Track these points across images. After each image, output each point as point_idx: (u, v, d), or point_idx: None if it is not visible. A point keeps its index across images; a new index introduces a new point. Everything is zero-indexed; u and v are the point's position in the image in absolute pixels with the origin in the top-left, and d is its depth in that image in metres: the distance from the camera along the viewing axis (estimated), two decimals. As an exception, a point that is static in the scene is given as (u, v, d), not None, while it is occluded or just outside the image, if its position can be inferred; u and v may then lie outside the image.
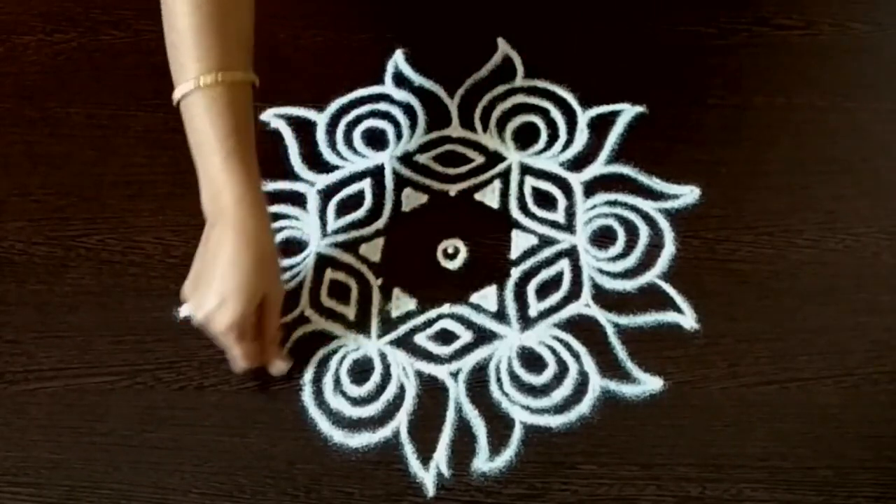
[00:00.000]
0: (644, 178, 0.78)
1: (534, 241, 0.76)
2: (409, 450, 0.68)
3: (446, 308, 0.74)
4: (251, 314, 0.66)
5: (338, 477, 0.68)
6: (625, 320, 0.73)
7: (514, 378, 0.71)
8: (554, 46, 0.85)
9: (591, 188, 0.78)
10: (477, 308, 0.74)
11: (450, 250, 0.76)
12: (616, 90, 0.81)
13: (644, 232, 0.76)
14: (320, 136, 0.81)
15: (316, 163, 0.80)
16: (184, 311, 0.71)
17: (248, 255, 0.65)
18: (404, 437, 0.69)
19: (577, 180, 0.78)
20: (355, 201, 0.78)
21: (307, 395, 0.71)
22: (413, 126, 0.81)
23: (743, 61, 0.84)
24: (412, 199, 0.78)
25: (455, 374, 0.71)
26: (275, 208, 0.77)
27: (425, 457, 0.68)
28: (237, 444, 0.69)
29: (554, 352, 0.72)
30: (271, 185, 0.78)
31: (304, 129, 0.81)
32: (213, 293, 0.65)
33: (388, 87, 0.83)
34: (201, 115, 0.65)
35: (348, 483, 0.68)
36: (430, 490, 0.67)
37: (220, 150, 0.64)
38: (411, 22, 0.86)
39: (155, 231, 0.77)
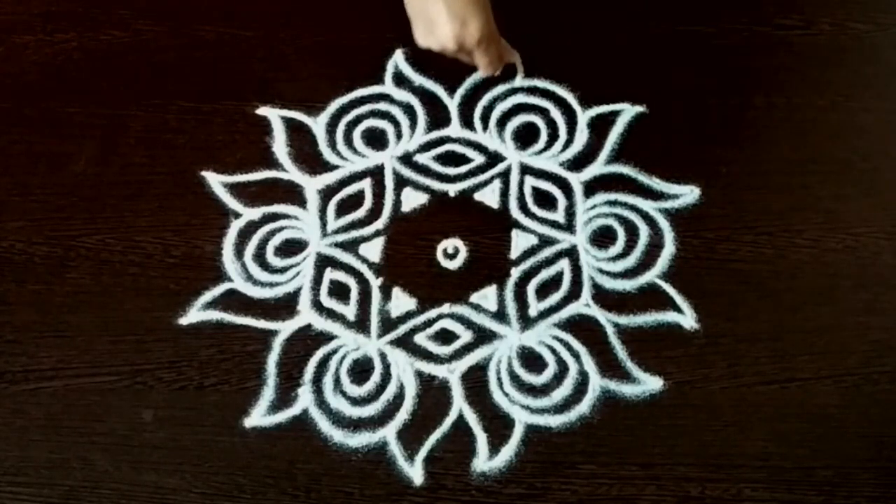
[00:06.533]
0: (644, 178, 0.78)
1: (534, 240, 0.76)
2: (408, 450, 0.68)
3: (446, 308, 0.74)
4: (490, 19, 0.70)
5: (338, 477, 0.68)
6: (625, 320, 0.73)
7: (514, 378, 0.71)
8: (554, 46, 0.85)
9: (591, 188, 0.78)
10: (477, 308, 0.74)
11: (450, 250, 0.76)
12: (616, 90, 0.81)
13: (644, 232, 0.76)
14: (320, 135, 0.81)
15: (316, 162, 0.80)
16: (427, 43, 0.72)
17: None
18: (404, 436, 0.69)
19: (577, 180, 0.78)
20: (355, 201, 0.78)
21: (307, 395, 0.71)
22: (413, 126, 0.81)
23: (743, 61, 0.84)
24: (412, 199, 0.78)
25: (455, 374, 0.71)
26: (274, 208, 0.77)
27: (425, 457, 0.68)
28: (237, 443, 0.69)
29: (554, 352, 0.72)
30: (271, 186, 0.78)
31: (303, 129, 0.81)
32: (450, 18, 0.68)
33: (388, 86, 0.83)
34: None
35: (348, 483, 0.68)
36: (430, 490, 0.67)
37: None
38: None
39: (155, 231, 0.77)
